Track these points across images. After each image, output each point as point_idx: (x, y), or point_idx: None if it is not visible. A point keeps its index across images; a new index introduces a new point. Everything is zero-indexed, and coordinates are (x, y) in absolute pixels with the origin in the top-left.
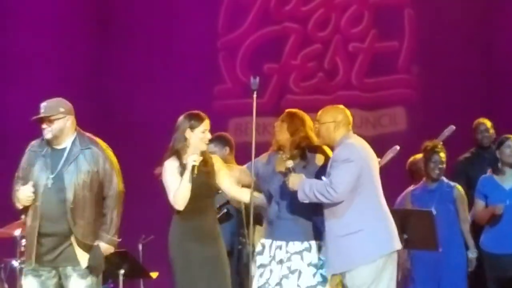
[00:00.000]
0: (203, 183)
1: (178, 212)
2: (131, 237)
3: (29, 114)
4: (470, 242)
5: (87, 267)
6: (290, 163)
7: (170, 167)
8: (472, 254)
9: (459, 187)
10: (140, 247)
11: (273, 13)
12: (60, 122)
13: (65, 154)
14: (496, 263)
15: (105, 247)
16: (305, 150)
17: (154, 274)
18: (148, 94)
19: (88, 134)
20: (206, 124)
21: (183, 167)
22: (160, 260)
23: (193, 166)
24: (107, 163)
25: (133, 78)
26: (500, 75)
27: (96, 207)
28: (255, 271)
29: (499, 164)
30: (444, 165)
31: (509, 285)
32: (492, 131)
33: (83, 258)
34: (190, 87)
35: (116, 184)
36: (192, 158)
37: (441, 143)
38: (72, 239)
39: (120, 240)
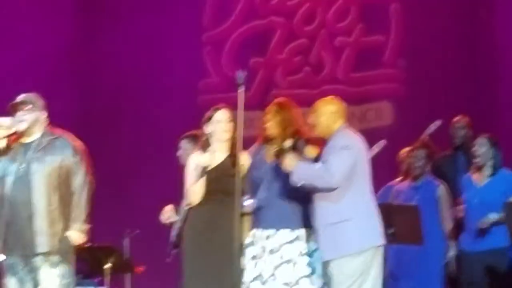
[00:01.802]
0: (220, 179)
1: (200, 202)
2: (116, 231)
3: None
4: (450, 242)
5: (57, 256)
6: (287, 144)
7: (193, 161)
8: (451, 252)
9: (443, 186)
10: (126, 241)
11: (258, 7)
12: (36, 113)
13: (34, 145)
14: (466, 260)
15: (75, 236)
16: (296, 143)
17: (140, 268)
18: (134, 88)
19: (58, 129)
20: (221, 113)
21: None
22: (146, 254)
23: (204, 168)
24: (74, 152)
25: (119, 72)
26: (486, 70)
27: (64, 195)
28: (245, 263)
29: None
30: (424, 161)
31: (477, 281)
32: (465, 130)
33: (52, 245)
34: (176, 81)
35: (82, 173)
36: (200, 159)
37: (427, 138)
38: (41, 225)
39: (89, 226)
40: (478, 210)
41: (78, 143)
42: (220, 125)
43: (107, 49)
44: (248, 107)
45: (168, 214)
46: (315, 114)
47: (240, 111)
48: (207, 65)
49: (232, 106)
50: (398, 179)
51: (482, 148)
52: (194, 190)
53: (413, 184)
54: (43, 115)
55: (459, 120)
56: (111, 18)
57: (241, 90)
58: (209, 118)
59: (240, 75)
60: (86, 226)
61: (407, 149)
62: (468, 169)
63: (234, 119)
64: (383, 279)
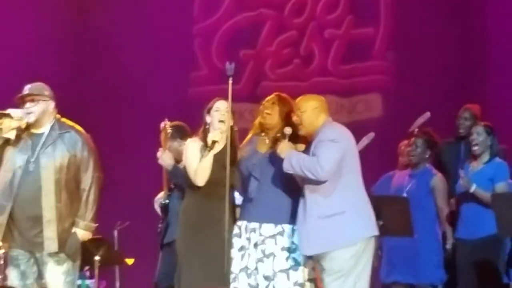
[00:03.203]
0: (215, 169)
1: (195, 193)
2: (106, 223)
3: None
4: (448, 232)
5: (64, 253)
6: (288, 130)
7: (191, 145)
8: (448, 245)
9: (439, 176)
10: (116, 233)
11: None
12: (43, 104)
13: (43, 138)
14: (462, 248)
15: (82, 234)
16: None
17: (129, 261)
18: (124, 80)
19: (67, 120)
20: (219, 103)
21: (205, 148)
22: (135, 246)
23: (213, 142)
24: (85, 147)
25: (109, 64)
26: (476, 63)
27: (73, 191)
28: (233, 254)
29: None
30: (422, 150)
31: (474, 268)
32: (471, 121)
33: (60, 243)
34: (166, 74)
35: (92, 168)
36: (213, 134)
37: (417, 129)
38: (48, 221)
39: (97, 225)
40: (468, 198)
41: (88, 137)
42: (217, 114)
43: (97, 40)
44: (238, 99)
45: (159, 201)
46: (298, 112)
47: (229, 103)
48: (198, 57)
49: (222, 98)
50: (397, 170)
51: (480, 136)
52: (203, 168)
53: (410, 172)
54: (51, 105)
55: (465, 110)
56: (101, 10)
57: (230, 82)
58: (209, 109)
59: (230, 67)
60: (93, 224)
61: (406, 141)
62: (469, 158)
63: (233, 111)
64: (373, 270)
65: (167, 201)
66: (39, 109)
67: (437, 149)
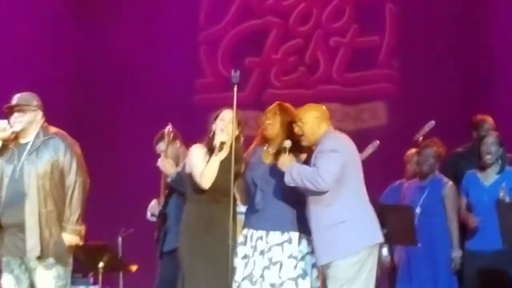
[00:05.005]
0: (219, 178)
1: (197, 200)
2: (110, 230)
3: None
4: (454, 241)
5: (53, 258)
6: (288, 143)
7: (197, 150)
8: (455, 253)
9: (450, 185)
10: (120, 240)
11: (254, 7)
12: (31, 114)
13: (28, 147)
14: (475, 260)
15: (68, 238)
16: (296, 144)
17: (133, 267)
18: (129, 87)
19: (53, 127)
20: (225, 112)
21: (210, 153)
22: (139, 253)
23: (222, 143)
24: (68, 151)
25: (115, 71)
26: (481, 71)
27: (60, 196)
28: (236, 263)
29: (481, 161)
30: (434, 160)
31: (488, 281)
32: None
33: (47, 247)
34: (172, 81)
35: (74, 172)
36: (220, 136)
37: (421, 138)
38: (31, 227)
39: (83, 227)
40: (487, 208)
41: (72, 141)
42: (220, 123)
43: (102, 48)
44: (243, 106)
45: (152, 210)
46: (299, 123)
47: (234, 111)
48: (203, 64)
49: (227, 105)
50: (403, 179)
51: (493, 146)
52: (210, 170)
53: (420, 183)
54: (38, 115)
55: (484, 121)
56: (107, 17)
57: (235, 90)
58: (216, 117)
59: (235, 75)
60: (79, 227)
61: (413, 150)
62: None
63: (240, 121)
64: (379, 277)
65: (160, 208)
66: (25, 119)
67: (441, 158)
